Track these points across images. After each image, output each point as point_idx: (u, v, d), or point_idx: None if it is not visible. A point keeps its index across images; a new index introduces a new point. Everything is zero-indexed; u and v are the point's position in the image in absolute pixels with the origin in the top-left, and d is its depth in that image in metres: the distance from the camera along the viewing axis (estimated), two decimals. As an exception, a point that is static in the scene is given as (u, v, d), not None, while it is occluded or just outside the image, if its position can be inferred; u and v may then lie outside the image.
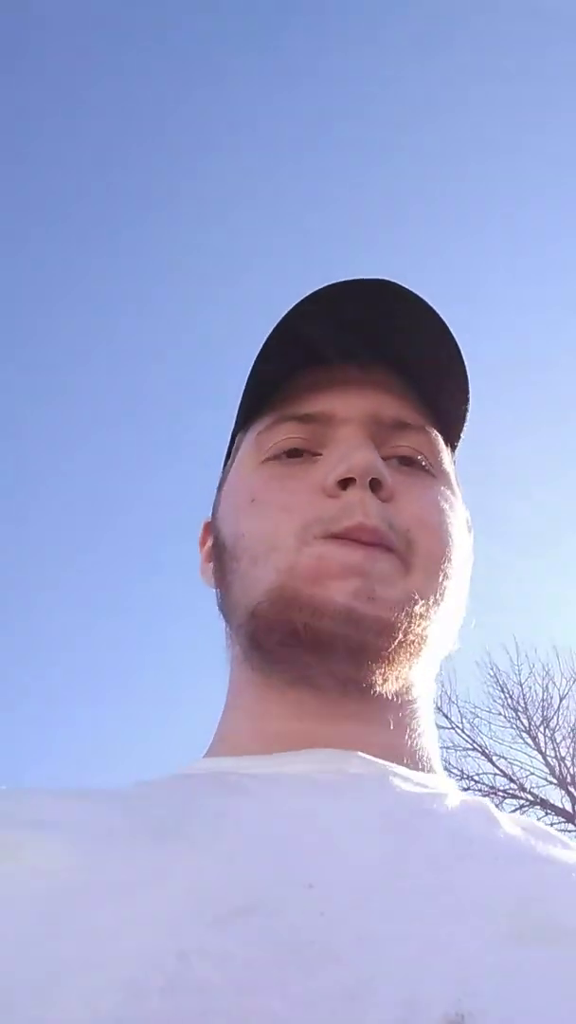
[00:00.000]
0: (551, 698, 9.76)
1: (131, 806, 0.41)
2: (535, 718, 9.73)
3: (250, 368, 0.57)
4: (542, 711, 9.78)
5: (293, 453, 0.54)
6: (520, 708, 9.83)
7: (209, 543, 0.61)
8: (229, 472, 0.60)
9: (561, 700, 9.69)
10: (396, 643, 0.48)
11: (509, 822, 0.44)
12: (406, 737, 0.51)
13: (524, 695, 9.92)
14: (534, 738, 9.65)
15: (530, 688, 9.92)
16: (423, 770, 0.50)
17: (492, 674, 10.03)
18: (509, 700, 9.88)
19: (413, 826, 0.40)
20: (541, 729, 9.66)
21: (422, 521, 0.52)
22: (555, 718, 9.67)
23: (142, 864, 0.35)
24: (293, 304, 0.54)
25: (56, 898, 0.33)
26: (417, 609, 0.49)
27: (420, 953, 0.31)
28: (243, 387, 0.58)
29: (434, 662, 0.54)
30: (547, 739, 9.58)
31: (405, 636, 0.48)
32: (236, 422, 0.61)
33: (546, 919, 0.34)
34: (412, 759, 0.50)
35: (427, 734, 0.53)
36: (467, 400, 0.59)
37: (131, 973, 0.29)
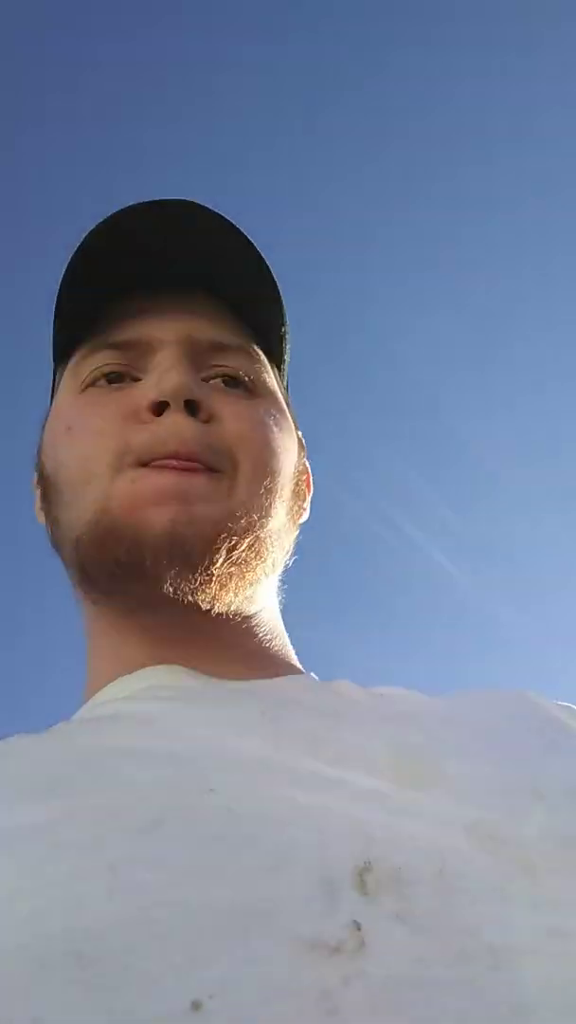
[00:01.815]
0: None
1: (18, 769, 0.40)
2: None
3: (56, 299, 0.55)
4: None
5: (112, 378, 0.53)
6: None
7: (35, 478, 0.60)
8: (52, 402, 0.59)
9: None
10: (222, 561, 0.48)
11: (366, 692, 0.47)
12: (255, 644, 0.52)
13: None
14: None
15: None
16: (281, 671, 0.52)
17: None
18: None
19: (283, 710, 0.42)
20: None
21: (244, 438, 0.51)
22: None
23: (41, 812, 0.35)
24: (91, 229, 0.53)
25: None
26: (242, 524, 0.49)
27: (322, 819, 0.33)
28: (53, 320, 0.57)
29: (271, 574, 0.54)
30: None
31: (230, 554, 0.48)
32: (54, 359, 0.60)
33: (420, 765, 0.38)
34: (267, 663, 0.52)
35: (277, 640, 0.54)
36: (283, 319, 0.59)
37: (67, 891, 0.30)
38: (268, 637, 0.54)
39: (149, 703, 0.45)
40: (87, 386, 0.54)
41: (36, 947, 0.28)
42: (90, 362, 0.54)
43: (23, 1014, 0.26)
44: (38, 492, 0.60)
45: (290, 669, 0.53)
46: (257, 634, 0.53)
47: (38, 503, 0.60)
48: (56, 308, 0.56)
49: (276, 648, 0.54)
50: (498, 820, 0.34)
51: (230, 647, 0.51)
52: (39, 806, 0.36)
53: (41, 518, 0.59)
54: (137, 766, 0.38)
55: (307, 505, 0.63)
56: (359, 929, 0.29)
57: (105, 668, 0.52)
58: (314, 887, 0.30)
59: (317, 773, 0.37)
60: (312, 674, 0.54)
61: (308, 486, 0.63)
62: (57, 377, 0.60)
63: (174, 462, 0.48)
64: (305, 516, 0.62)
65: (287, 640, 0.56)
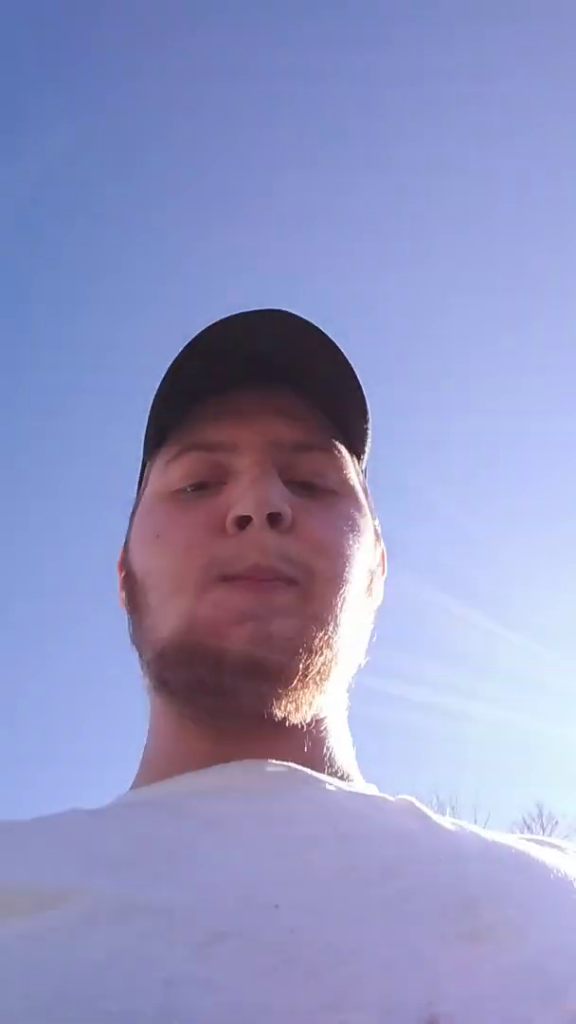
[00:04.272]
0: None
1: (79, 841, 0.42)
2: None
3: (152, 399, 0.57)
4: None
5: (199, 486, 0.55)
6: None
7: (121, 569, 0.62)
8: (139, 501, 0.61)
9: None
10: (298, 679, 0.49)
11: (439, 819, 0.47)
12: (323, 751, 0.54)
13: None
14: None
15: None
16: (343, 779, 0.53)
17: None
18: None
19: (359, 833, 0.42)
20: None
21: (321, 547, 0.53)
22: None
23: (109, 897, 0.36)
24: (192, 336, 0.55)
25: (27, 938, 0.34)
26: (318, 636, 0.51)
27: (389, 959, 0.33)
28: (147, 416, 0.59)
29: (343, 679, 0.55)
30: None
31: (307, 669, 0.50)
32: (144, 449, 0.62)
33: (494, 916, 0.36)
34: (331, 770, 0.53)
35: (342, 746, 0.55)
36: (366, 415, 0.60)
37: (120, 1005, 0.30)
38: (334, 744, 0.55)
39: (218, 802, 0.46)
40: (175, 491, 0.56)
41: None
42: (179, 464, 0.56)
43: None
44: (121, 582, 0.63)
45: (351, 778, 0.54)
46: (323, 740, 0.54)
47: (121, 593, 0.62)
48: (152, 405, 0.58)
49: (340, 756, 0.55)
50: None
51: (298, 751, 0.52)
52: (101, 884, 0.36)
53: (123, 606, 0.61)
54: (202, 865, 0.39)
55: (381, 589, 0.63)
56: None
57: (168, 757, 0.54)
58: None
59: (387, 904, 0.36)
60: (374, 785, 0.55)
61: (383, 570, 0.64)
62: (147, 468, 0.62)
63: (258, 574, 0.50)
64: (378, 601, 0.63)
65: (351, 743, 0.57)
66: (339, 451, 0.58)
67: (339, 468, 0.58)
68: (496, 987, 0.32)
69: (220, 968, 0.32)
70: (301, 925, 0.34)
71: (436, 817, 0.47)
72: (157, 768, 0.54)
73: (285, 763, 0.50)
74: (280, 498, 0.52)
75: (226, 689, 0.49)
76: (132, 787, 0.55)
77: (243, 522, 0.51)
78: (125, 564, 0.60)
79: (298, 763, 0.50)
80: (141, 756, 0.57)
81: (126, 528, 0.63)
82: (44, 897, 0.36)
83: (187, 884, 0.37)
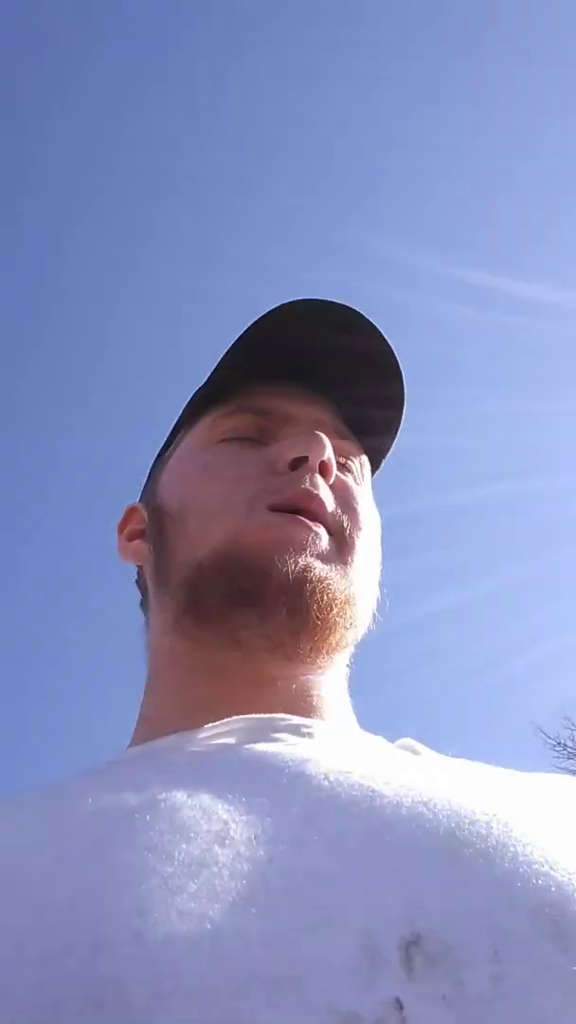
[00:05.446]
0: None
1: (55, 818, 0.40)
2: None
3: (214, 368, 0.61)
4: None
5: (246, 439, 0.58)
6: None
7: (135, 524, 0.64)
8: (174, 453, 0.63)
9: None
10: (332, 613, 0.51)
11: (434, 755, 0.49)
12: (325, 705, 0.54)
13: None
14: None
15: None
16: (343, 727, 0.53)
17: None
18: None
19: (344, 771, 0.42)
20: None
21: (356, 511, 0.57)
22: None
23: (80, 839, 0.36)
24: (263, 313, 0.60)
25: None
26: (350, 589, 0.53)
27: (369, 881, 0.32)
28: (199, 387, 0.62)
29: (351, 642, 0.57)
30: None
31: (338, 615, 0.52)
32: (182, 417, 0.64)
33: (480, 839, 0.36)
34: (330, 719, 0.53)
35: (344, 705, 0.56)
36: (392, 441, 0.66)
37: (94, 935, 0.29)
38: (335, 700, 0.55)
39: (203, 757, 0.45)
40: (222, 440, 0.59)
41: (53, 989, 0.27)
42: (231, 419, 0.59)
43: None
44: (131, 535, 0.64)
45: (352, 728, 0.55)
46: (326, 696, 0.54)
47: (126, 544, 0.63)
48: (209, 378, 0.61)
49: (341, 712, 0.55)
50: (568, 905, 0.32)
51: (301, 701, 0.52)
52: (83, 832, 0.36)
53: (132, 558, 0.62)
54: (178, 809, 0.38)
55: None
56: (401, 1009, 0.27)
57: (169, 709, 0.53)
58: (355, 955, 0.29)
59: (369, 832, 0.36)
60: (380, 737, 0.54)
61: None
62: (180, 435, 0.64)
63: (308, 504, 0.53)
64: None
65: (351, 711, 0.57)
66: (363, 455, 0.63)
67: (362, 464, 0.63)
68: (479, 901, 0.32)
69: (195, 897, 0.31)
70: (279, 854, 0.34)
71: (431, 753, 0.49)
72: (158, 720, 0.53)
73: (282, 716, 0.49)
74: (332, 451, 0.56)
75: (265, 602, 0.50)
76: (129, 746, 0.54)
77: (297, 463, 0.54)
78: (149, 508, 0.61)
79: (300, 714, 0.50)
80: (139, 714, 0.56)
81: (144, 487, 0.64)
82: (19, 839, 0.36)
83: (161, 826, 0.37)
